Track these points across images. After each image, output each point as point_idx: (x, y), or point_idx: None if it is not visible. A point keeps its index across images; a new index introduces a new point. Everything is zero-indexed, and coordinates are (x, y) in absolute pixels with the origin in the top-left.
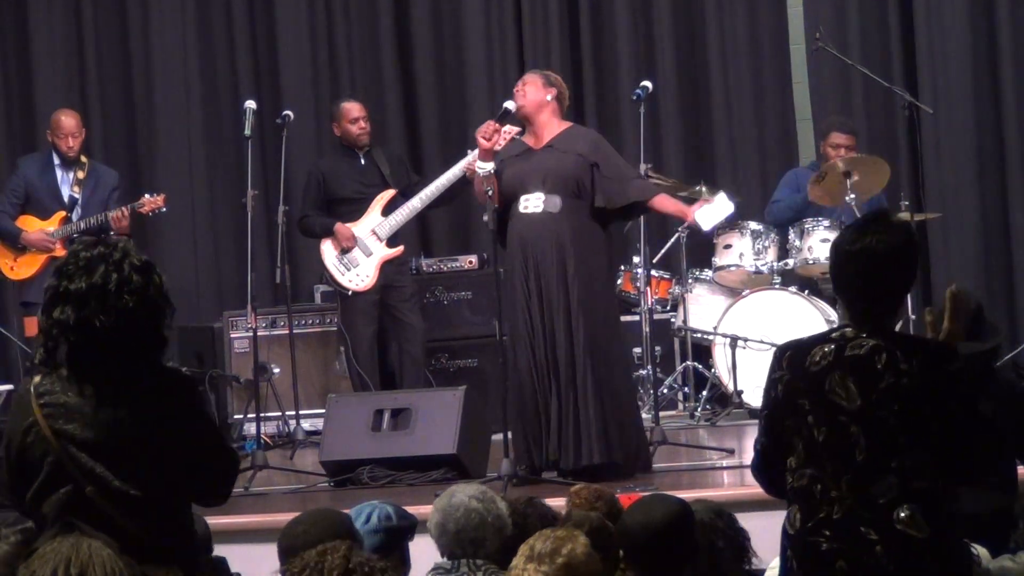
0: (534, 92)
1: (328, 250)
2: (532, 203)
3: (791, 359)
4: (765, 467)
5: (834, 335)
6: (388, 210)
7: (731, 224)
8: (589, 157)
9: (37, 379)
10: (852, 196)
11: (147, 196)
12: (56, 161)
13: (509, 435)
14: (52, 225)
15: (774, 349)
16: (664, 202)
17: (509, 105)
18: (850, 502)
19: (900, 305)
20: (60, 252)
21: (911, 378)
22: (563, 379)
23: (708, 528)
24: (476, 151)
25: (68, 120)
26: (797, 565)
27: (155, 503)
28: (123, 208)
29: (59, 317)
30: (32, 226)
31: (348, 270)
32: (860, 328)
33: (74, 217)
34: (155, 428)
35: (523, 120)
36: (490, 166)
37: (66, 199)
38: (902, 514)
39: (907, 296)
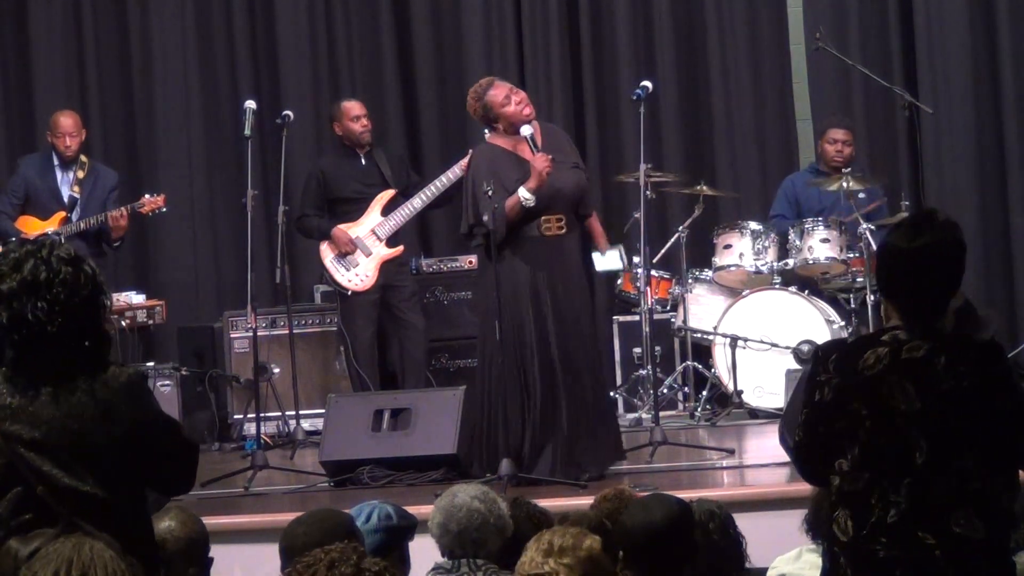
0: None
1: (327, 250)
2: (555, 225)
3: (839, 362)
4: (804, 461)
5: (885, 338)
6: (388, 210)
7: (731, 224)
8: (580, 166)
9: None
10: (862, 194)
11: (147, 196)
12: (56, 161)
13: (503, 436)
14: (52, 225)
15: (807, 352)
16: (593, 225)
17: (527, 131)
18: (906, 506)
19: (947, 305)
20: None
21: (970, 378)
22: (561, 391)
23: (699, 528)
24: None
25: (66, 120)
26: (853, 573)
27: (108, 501)
28: (122, 208)
29: None
30: (32, 226)
31: (348, 270)
32: (912, 330)
33: (74, 217)
34: (101, 425)
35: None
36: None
37: (66, 199)
38: (959, 518)
39: (954, 295)
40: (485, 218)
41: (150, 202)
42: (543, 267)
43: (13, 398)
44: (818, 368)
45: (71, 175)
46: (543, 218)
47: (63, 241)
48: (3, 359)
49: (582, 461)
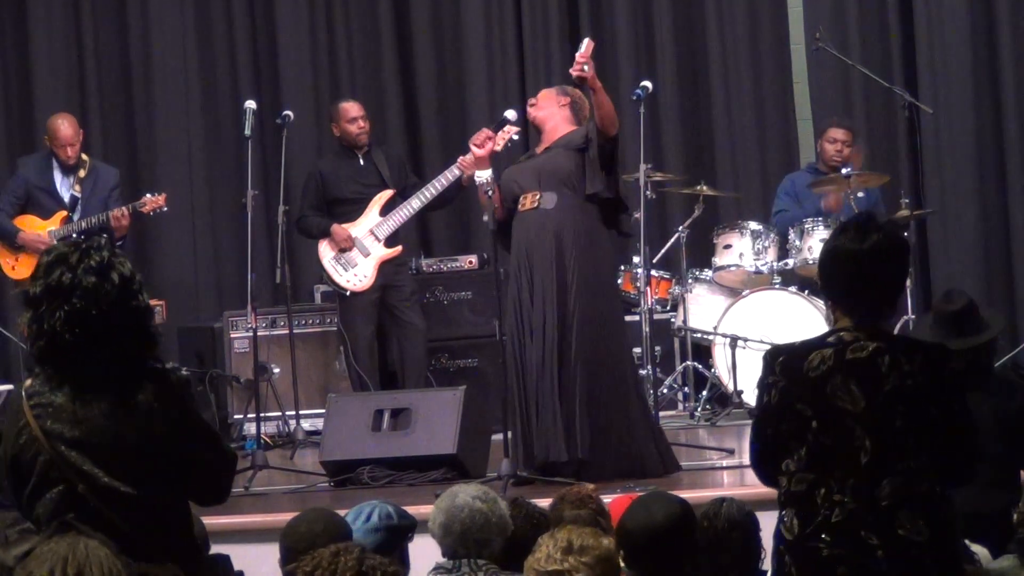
0: (547, 102)
1: (326, 250)
2: (529, 201)
3: (785, 365)
4: (760, 464)
5: (830, 339)
6: (386, 210)
7: (731, 224)
8: (581, 146)
9: (28, 381)
10: (861, 194)
11: (148, 196)
12: (56, 163)
13: (509, 435)
14: (53, 225)
15: (763, 354)
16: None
17: (509, 114)
18: (852, 506)
19: (895, 306)
20: None
21: (915, 379)
22: (547, 376)
23: (734, 525)
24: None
25: (65, 130)
26: (796, 571)
27: (148, 500)
28: (124, 208)
29: (26, 322)
30: (33, 226)
31: (346, 270)
32: (858, 331)
33: (75, 216)
34: (141, 426)
35: (535, 128)
36: (487, 173)
37: (67, 198)
38: (903, 519)
39: (900, 297)
40: (485, 218)
41: (151, 201)
42: (527, 242)
43: (56, 396)
44: (767, 371)
45: (71, 175)
46: (521, 196)
47: (103, 245)
48: (44, 360)
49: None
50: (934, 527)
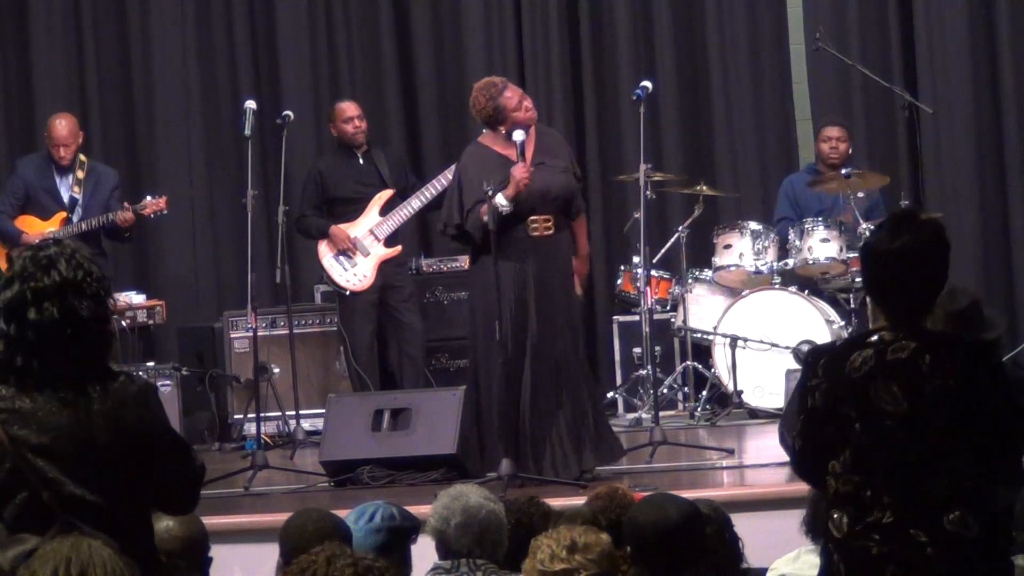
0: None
1: (325, 250)
2: (542, 226)
3: (827, 367)
4: (803, 465)
5: (871, 339)
6: (386, 210)
7: (731, 224)
8: (573, 170)
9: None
10: (861, 194)
11: (149, 198)
12: (55, 163)
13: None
14: (53, 226)
15: (803, 354)
16: (577, 230)
17: (519, 137)
18: (900, 506)
19: (933, 304)
20: None
21: (957, 377)
22: (548, 392)
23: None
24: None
25: (60, 130)
26: (846, 569)
27: (113, 509)
28: (126, 205)
29: (2, 327)
30: (32, 227)
31: (345, 270)
32: (897, 330)
33: (74, 218)
34: (109, 433)
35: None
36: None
37: (66, 200)
38: (951, 516)
39: (939, 294)
40: (485, 218)
41: (152, 204)
42: (530, 267)
43: (22, 402)
44: (809, 373)
45: (70, 176)
46: (531, 219)
47: (64, 241)
48: (12, 366)
49: (568, 462)
50: (983, 523)
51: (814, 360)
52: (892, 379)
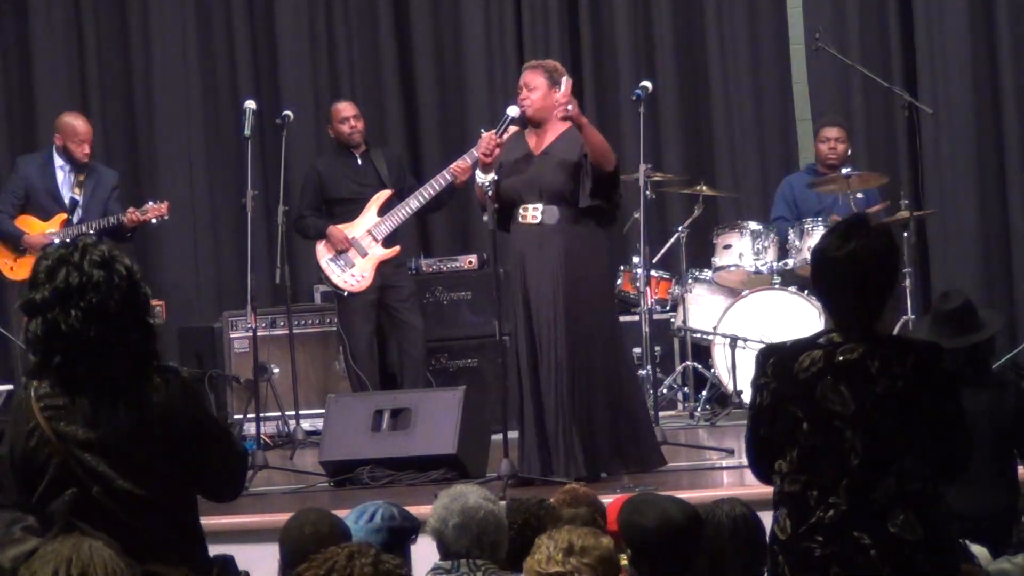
0: (541, 97)
1: (323, 251)
2: (530, 214)
3: (776, 366)
4: (757, 464)
5: (821, 340)
6: (384, 210)
7: (731, 224)
8: (577, 160)
9: (36, 383)
10: (860, 195)
11: (151, 204)
12: (58, 162)
13: (510, 435)
14: (52, 227)
15: (756, 353)
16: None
17: (511, 112)
18: (844, 507)
19: (886, 308)
20: None
21: (906, 380)
22: (542, 389)
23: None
24: (469, 157)
25: (83, 126)
26: (789, 571)
27: (161, 502)
28: (134, 211)
29: (33, 329)
30: (32, 227)
31: (343, 271)
32: (848, 333)
33: (75, 219)
34: (155, 426)
35: (530, 123)
36: (491, 177)
37: (67, 201)
38: (897, 519)
39: (890, 298)
40: (485, 218)
41: (153, 209)
42: (523, 253)
43: (67, 399)
44: (759, 371)
45: (72, 176)
46: (521, 206)
47: (94, 239)
48: (49, 364)
49: (575, 464)
50: (928, 526)
51: (764, 359)
52: (841, 380)
